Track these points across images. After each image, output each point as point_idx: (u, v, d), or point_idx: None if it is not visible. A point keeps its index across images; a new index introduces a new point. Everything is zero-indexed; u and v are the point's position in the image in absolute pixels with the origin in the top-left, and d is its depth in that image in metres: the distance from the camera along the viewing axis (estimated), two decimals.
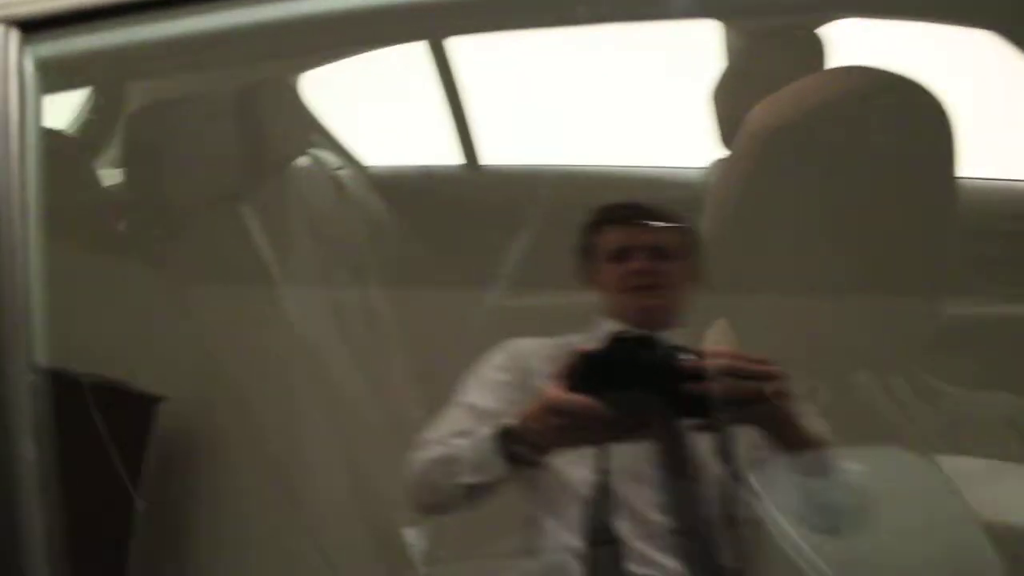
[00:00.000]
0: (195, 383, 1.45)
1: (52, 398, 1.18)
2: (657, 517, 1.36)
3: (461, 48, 1.98)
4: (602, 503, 1.38)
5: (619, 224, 1.53)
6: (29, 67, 0.91)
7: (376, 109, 2.16)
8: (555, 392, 1.29)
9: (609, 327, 1.45)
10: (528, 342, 1.53)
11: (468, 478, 1.37)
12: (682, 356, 1.23)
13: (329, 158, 1.98)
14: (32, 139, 0.91)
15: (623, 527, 1.36)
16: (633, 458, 1.38)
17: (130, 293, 1.42)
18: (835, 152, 1.32)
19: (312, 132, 2.00)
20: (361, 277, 1.83)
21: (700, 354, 1.21)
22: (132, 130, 1.34)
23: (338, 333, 1.65)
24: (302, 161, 1.87)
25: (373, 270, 1.87)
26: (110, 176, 1.45)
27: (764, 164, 1.36)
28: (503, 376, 1.50)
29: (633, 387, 1.25)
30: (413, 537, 1.56)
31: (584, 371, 1.28)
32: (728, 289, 1.38)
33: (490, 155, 2.14)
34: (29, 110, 0.91)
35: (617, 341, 1.30)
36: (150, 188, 1.37)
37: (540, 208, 1.76)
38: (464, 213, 2.07)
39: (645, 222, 1.52)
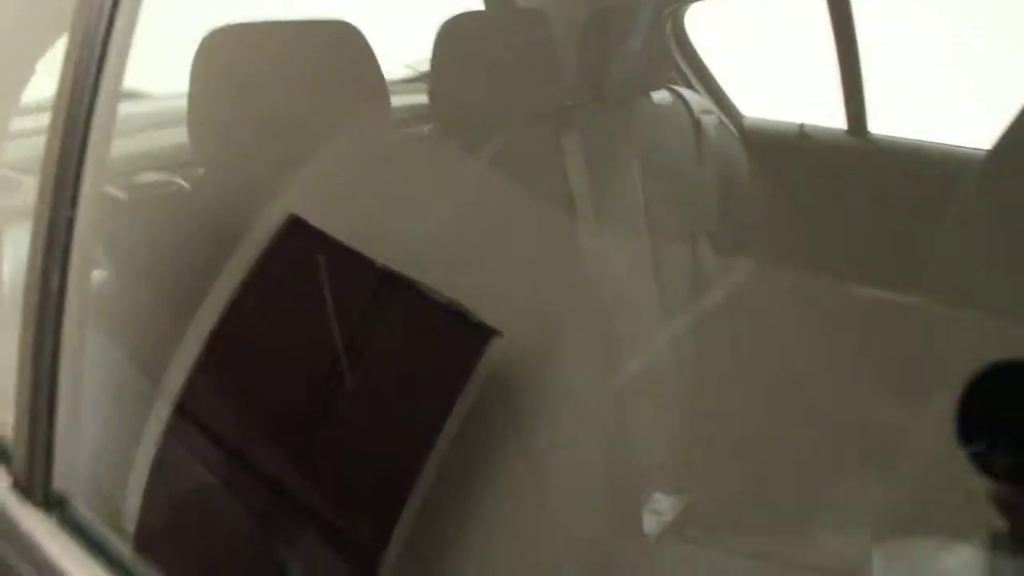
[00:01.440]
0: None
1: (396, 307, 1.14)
2: None
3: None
4: None
5: None
6: None
7: (763, 57, 1.97)
8: None
9: None
10: None
11: None
12: None
13: (697, 99, 1.81)
14: None
15: None
16: None
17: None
18: None
19: (682, 69, 1.84)
20: (698, 235, 1.66)
21: None
22: (446, 35, 1.26)
23: (653, 290, 1.50)
24: (661, 97, 1.71)
25: (715, 230, 1.69)
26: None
27: None
28: None
29: None
30: (663, 504, 1.41)
31: (968, 406, 0.86)
32: None
33: (882, 124, 1.87)
34: None
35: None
36: (459, 95, 1.28)
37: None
38: (841, 186, 1.83)
39: None
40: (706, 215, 1.71)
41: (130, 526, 0.99)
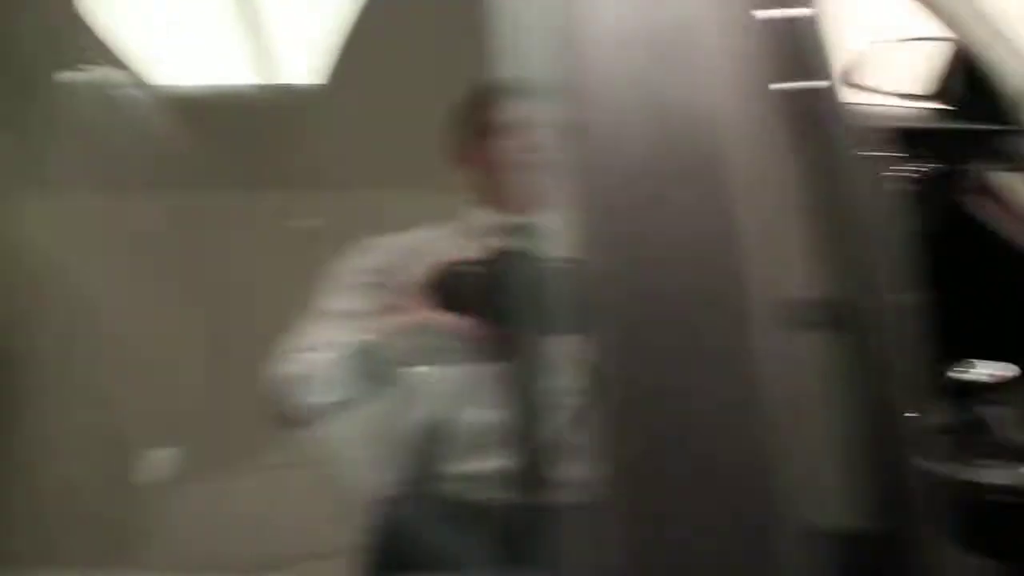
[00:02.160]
0: None
1: None
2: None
3: None
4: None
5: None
6: None
7: (167, 26, 2.14)
8: (424, 311, 1.26)
9: (481, 216, 1.43)
10: (387, 240, 1.47)
11: (326, 397, 1.31)
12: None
13: (109, 74, 1.95)
14: None
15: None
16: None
17: None
18: None
19: (90, 47, 1.95)
20: (134, 190, 1.81)
21: None
22: None
23: (103, 243, 1.64)
24: (78, 76, 1.83)
25: (148, 184, 1.85)
26: None
27: None
28: (367, 277, 1.43)
29: (507, 303, 1.14)
30: (164, 457, 1.60)
31: (455, 286, 1.22)
32: None
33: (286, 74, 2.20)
34: None
35: (500, 254, 1.19)
36: None
37: None
38: (253, 132, 2.08)
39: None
40: (136, 172, 1.86)
41: None
